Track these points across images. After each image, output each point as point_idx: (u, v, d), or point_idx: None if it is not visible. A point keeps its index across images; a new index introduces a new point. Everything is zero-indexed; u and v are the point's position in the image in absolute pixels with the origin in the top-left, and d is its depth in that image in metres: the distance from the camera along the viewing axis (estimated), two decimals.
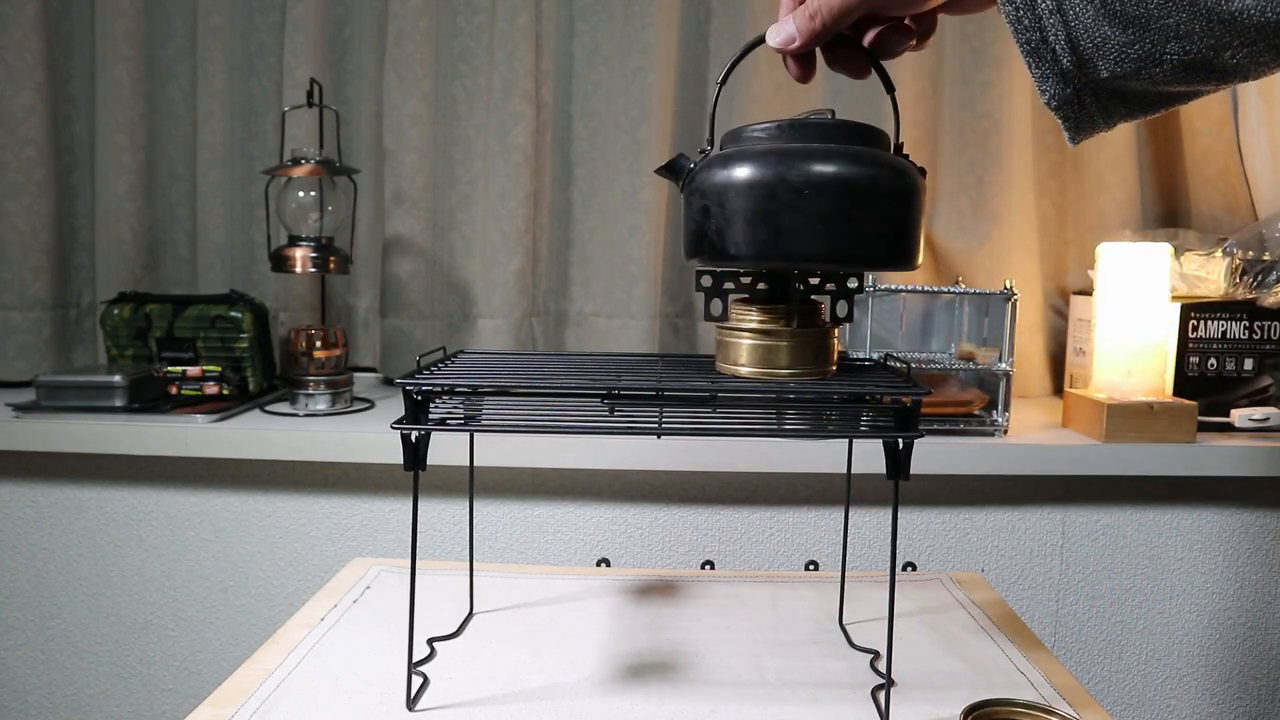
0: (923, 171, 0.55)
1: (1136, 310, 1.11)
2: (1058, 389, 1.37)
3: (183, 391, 1.19)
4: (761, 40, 0.57)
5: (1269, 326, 1.15)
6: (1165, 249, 1.11)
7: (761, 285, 0.60)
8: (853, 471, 0.73)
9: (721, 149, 0.55)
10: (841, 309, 0.60)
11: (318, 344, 1.18)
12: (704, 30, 1.33)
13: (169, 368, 1.20)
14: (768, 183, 0.51)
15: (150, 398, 1.16)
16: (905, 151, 0.56)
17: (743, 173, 0.52)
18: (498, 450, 1.07)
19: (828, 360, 0.58)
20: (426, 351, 0.84)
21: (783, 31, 0.51)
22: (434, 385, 0.55)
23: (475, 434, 0.81)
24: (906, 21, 0.54)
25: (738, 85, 1.31)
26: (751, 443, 1.07)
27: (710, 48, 1.33)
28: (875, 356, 0.98)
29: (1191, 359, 1.16)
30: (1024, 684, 0.62)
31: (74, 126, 1.34)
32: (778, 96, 1.33)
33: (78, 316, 1.35)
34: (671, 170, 0.56)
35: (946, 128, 1.35)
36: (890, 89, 0.57)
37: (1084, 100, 0.42)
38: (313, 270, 1.19)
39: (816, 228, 0.51)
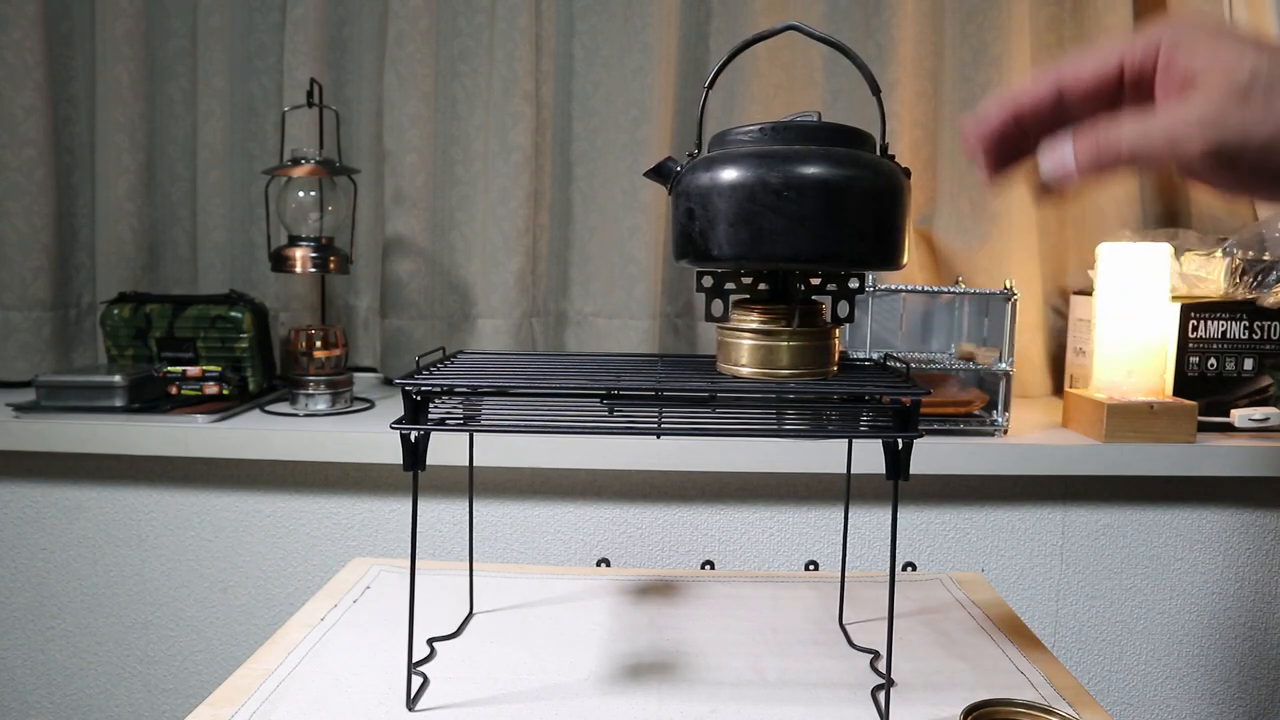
0: (907, 172, 0.55)
1: (1136, 310, 1.11)
2: (1058, 389, 1.37)
3: (183, 391, 1.19)
4: (751, 43, 0.57)
5: (1269, 326, 1.15)
6: (1165, 249, 1.11)
7: (762, 286, 0.60)
8: (853, 471, 0.73)
9: (709, 152, 0.56)
10: (842, 309, 0.60)
11: (318, 344, 1.18)
12: (704, 30, 1.33)
13: (169, 368, 1.20)
14: (748, 185, 0.52)
15: (150, 398, 1.16)
16: (892, 153, 0.56)
17: (725, 175, 0.52)
18: (498, 450, 1.07)
19: (829, 361, 0.58)
20: (426, 352, 0.84)
21: (1057, 158, 0.42)
22: (433, 385, 0.55)
23: (475, 434, 0.81)
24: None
25: (738, 86, 1.31)
26: (751, 443, 1.07)
27: (710, 48, 1.33)
28: (875, 356, 0.98)
29: (1191, 359, 1.16)
30: (1024, 684, 0.62)
31: (74, 126, 1.34)
32: (778, 97, 1.33)
33: (78, 316, 1.35)
34: (659, 173, 0.57)
35: (946, 128, 1.34)
36: (876, 90, 0.57)
37: None
38: (313, 270, 1.19)
39: (796, 228, 0.51)
